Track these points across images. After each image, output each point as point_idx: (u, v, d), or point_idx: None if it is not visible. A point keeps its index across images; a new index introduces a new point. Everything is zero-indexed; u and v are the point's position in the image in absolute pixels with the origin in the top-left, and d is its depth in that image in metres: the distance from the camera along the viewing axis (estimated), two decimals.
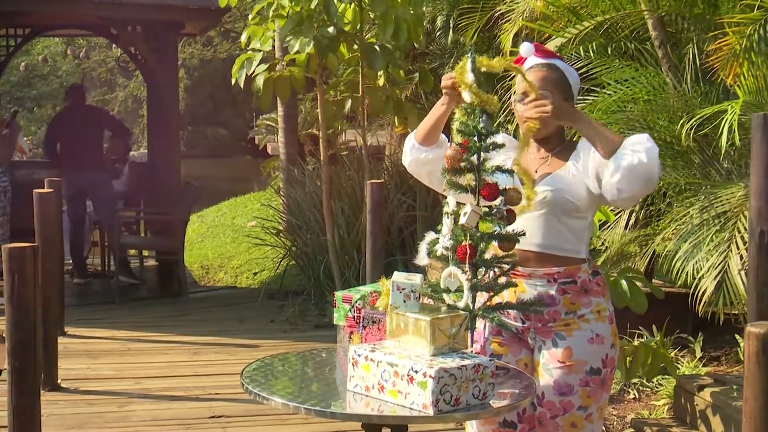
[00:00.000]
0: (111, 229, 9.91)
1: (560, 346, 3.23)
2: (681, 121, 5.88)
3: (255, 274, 11.77)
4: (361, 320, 3.15)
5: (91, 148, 10.00)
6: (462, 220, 2.97)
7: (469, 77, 3.06)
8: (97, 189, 10.04)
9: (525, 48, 3.29)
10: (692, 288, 5.53)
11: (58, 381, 6.26)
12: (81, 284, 10.03)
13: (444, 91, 3.16)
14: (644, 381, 5.88)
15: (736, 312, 5.67)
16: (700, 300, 5.45)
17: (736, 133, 5.30)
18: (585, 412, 3.25)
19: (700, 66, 6.28)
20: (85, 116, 10.17)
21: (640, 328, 6.29)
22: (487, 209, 3.04)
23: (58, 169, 9.98)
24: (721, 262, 5.44)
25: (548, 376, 3.25)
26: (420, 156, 3.36)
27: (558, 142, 3.33)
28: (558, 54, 3.57)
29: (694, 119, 5.72)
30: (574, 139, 3.42)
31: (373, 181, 6.59)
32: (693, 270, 5.56)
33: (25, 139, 16.21)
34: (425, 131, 3.33)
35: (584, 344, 3.23)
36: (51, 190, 6.90)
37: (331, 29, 7.10)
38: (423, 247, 3.18)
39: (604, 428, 5.30)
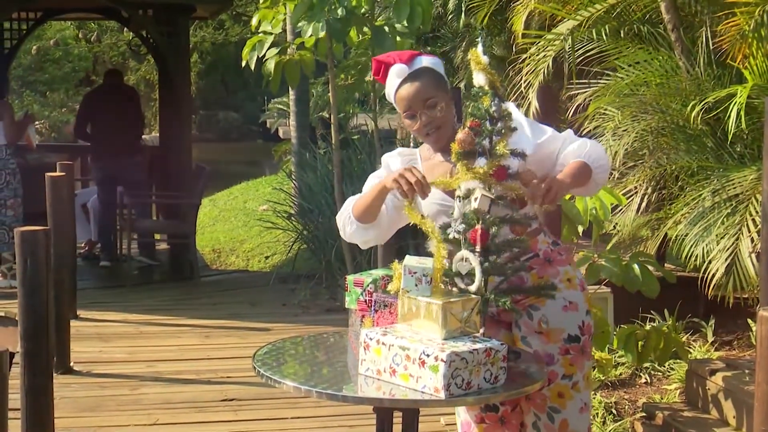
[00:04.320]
0: (140, 215, 9.94)
1: (535, 317, 3.23)
2: (692, 104, 5.86)
3: (266, 257, 11.79)
4: (372, 304, 3.15)
5: (127, 131, 9.93)
6: (473, 204, 2.96)
7: (485, 58, 3.10)
8: (127, 174, 9.88)
9: (398, 71, 3.25)
10: (702, 271, 5.52)
11: (71, 364, 6.28)
12: (107, 267, 10.02)
13: (401, 180, 3.05)
14: (656, 365, 5.87)
15: (746, 296, 5.66)
16: (710, 283, 5.44)
17: (743, 117, 5.28)
18: (570, 381, 3.25)
19: (713, 49, 6.25)
20: (123, 97, 10.10)
21: (651, 312, 6.28)
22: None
23: (91, 151, 9.95)
24: (732, 245, 5.43)
25: (528, 348, 3.24)
26: (362, 234, 3.35)
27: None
28: (418, 51, 3.51)
29: (704, 102, 5.70)
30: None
31: None
32: (703, 253, 5.54)
33: (36, 125, 16.19)
34: (364, 209, 3.29)
35: (559, 312, 3.23)
36: (63, 173, 6.91)
37: (340, 11, 7.07)
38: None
39: (615, 412, 5.30)
